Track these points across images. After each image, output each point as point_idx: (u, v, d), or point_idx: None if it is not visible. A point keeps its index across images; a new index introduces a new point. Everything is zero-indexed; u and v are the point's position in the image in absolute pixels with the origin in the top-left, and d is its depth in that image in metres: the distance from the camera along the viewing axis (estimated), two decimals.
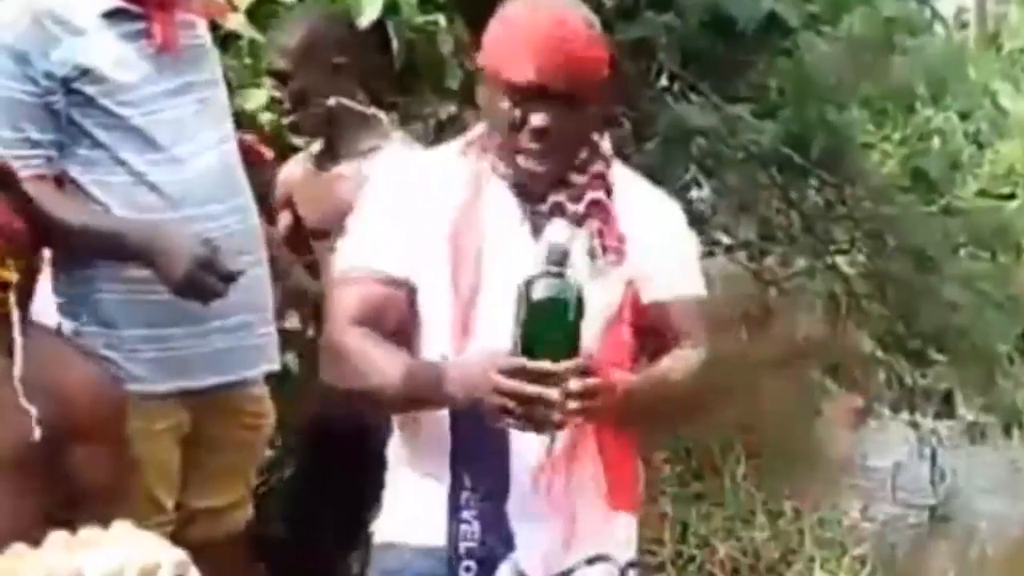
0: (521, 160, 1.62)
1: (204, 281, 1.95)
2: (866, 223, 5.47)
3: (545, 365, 1.47)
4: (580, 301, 1.50)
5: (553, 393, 1.48)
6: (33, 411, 1.76)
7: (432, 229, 1.64)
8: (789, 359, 5.93)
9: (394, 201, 1.68)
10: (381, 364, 1.62)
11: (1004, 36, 9.42)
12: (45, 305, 1.95)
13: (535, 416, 1.50)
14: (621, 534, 1.73)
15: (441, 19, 3.38)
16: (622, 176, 1.72)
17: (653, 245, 1.68)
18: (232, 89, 2.72)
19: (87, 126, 2.00)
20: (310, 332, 2.64)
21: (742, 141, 4.88)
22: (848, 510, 4.99)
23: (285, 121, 2.70)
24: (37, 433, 1.75)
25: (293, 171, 2.76)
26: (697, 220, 6.79)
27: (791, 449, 5.09)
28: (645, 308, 1.67)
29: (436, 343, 1.66)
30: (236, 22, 2.88)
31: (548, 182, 1.66)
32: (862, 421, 5.82)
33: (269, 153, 2.64)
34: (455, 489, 1.65)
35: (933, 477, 5.68)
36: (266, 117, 2.82)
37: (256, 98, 2.81)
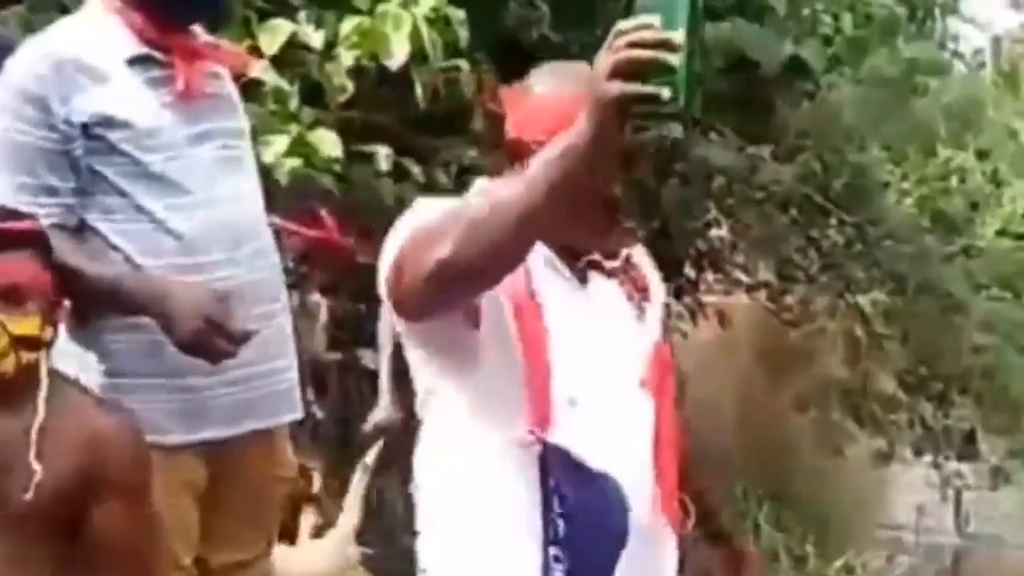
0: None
1: (213, 341, 1.91)
2: (886, 263, 5.46)
3: (667, 35, 1.21)
4: None
5: (673, 57, 1.21)
6: (37, 469, 1.74)
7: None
8: (810, 400, 5.90)
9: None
10: (503, 191, 1.37)
11: (1021, 76, 9.42)
12: (60, 353, 1.95)
13: (662, 93, 1.21)
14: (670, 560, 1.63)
15: (464, 64, 3.40)
16: None
17: (656, 282, 1.69)
18: (256, 136, 2.74)
19: (107, 173, 1.98)
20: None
21: (762, 181, 4.88)
22: (872, 553, 4.93)
23: None
24: (31, 494, 1.73)
25: None
26: (717, 259, 6.80)
27: (813, 492, 5.04)
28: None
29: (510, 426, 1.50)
30: (260, 68, 2.89)
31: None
32: (885, 463, 5.76)
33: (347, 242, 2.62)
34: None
35: (957, 520, 5.62)
36: (289, 164, 2.83)
37: (279, 144, 2.82)
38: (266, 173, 2.76)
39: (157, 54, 2.04)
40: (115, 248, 1.99)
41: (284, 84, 2.98)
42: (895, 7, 5.20)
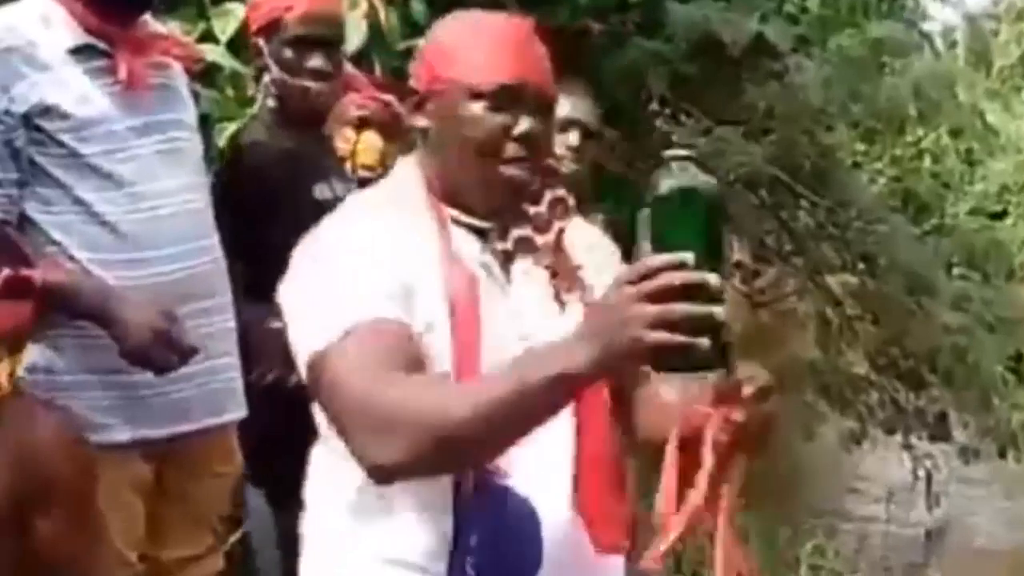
0: (508, 171, 1.41)
1: (158, 355, 1.90)
2: (857, 244, 5.46)
3: (685, 257, 1.11)
4: (719, 203, 1.14)
5: (712, 278, 1.11)
6: None
7: (422, 285, 1.39)
8: (782, 381, 5.91)
9: (366, 254, 1.39)
10: (468, 391, 1.26)
11: (994, 55, 9.45)
12: None
13: (703, 309, 1.11)
14: None
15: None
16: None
17: (597, 266, 1.52)
18: (214, 121, 2.70)
19: (45, 164, 1.95)
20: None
21: (732, 163, 4.86)
22: (844, 534, 4.95)
23: None
24: None
25: None
26: None
27: (785, 473, 5.05)
28: None
29: None
30: (216, 53, 2.86)
31: (520, 205, 1.47)
32: (856, 443, 5.78)
33: None
34: None
35: (928, 500, 5.65)
36: None
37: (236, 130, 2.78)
38: (223, 158, 2.73)
39: (100, 44, 2.01)
40: (53, 242, 1.96)
41: (241, 68, 2.94)
42: None
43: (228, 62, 2.92)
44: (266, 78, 2.42)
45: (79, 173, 1.97)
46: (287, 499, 2.30)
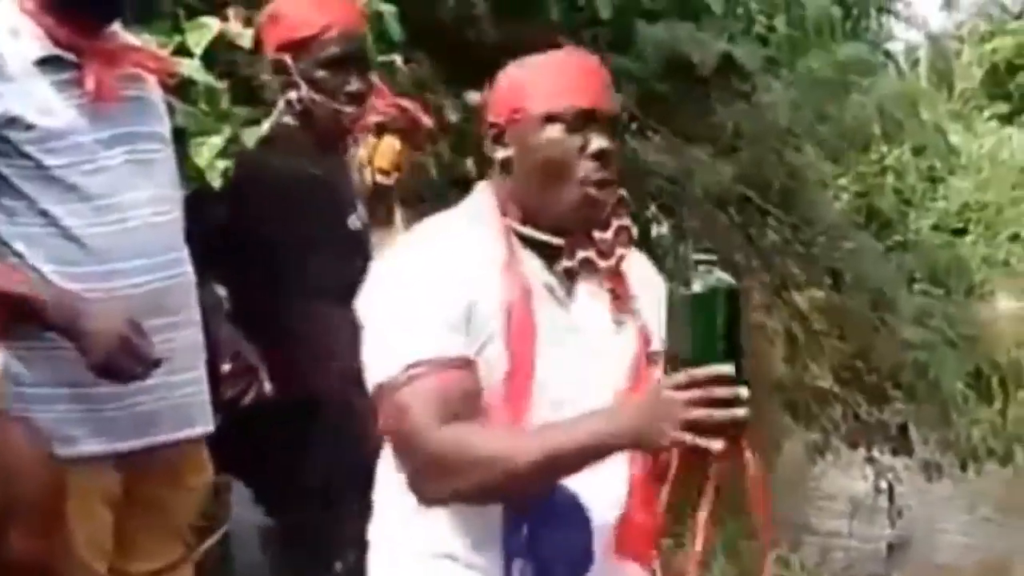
0: (588, 190, 1.54)
1: (124, 365, 1.89)
2: (823, 260, 5.54)
3: (724, 370, 1.36)
4: (739, 298, 1.41)
5: (743, 391, 1.36)
6: None
7: (482, 301, 1.51)
8: (749, 395, 5.96)
9: (427, 281, 1.52)
10: (513, 449, 1.43)
11: (956, 75, 9.60)
12: None
13: (728, 414, 1.35)
14: None
15: (398, 58, 3.38)
16: None
17: (648, 301, 1.65)
18: (189, 136, 2.69)
19: (10, 176, 1.93)
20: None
21: (701, 181, 4.92)
22: (807, 547, 5.00)
23: None
24: None
25: None
26: (657, 258, 6.84)
27: (748, 486, 5.09)
28: (651, 355, 1.61)
29: (493, 422, 1.51)
30: (191, 68, 2.84)
31: (596, 223, 1.58)
32: (820, 456, 5.85)
33: (428, 121, 2.60)
34: None
35: (891, 513, 5.72)
36: (222, 165, 2.79)
37: (212, 146, 2.78)
38: (199, 175, 2.73)
39: (69, 56, 2.00)
40: (17, 254, 1.95)
41: (215, 83, 2.93)
42: (830, 7, 5.27)
43: (202, 76, 2.90)
44: (291, 95, 2.32)
45: (44, 185, 1.95)
46: (277, 499, 2.33)
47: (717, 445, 1.35)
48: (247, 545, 2.38)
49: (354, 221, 2.35)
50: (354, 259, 2.26)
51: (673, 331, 1.44)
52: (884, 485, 5.71)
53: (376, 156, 2.64)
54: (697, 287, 1.40)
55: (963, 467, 5.31)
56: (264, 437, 2.23)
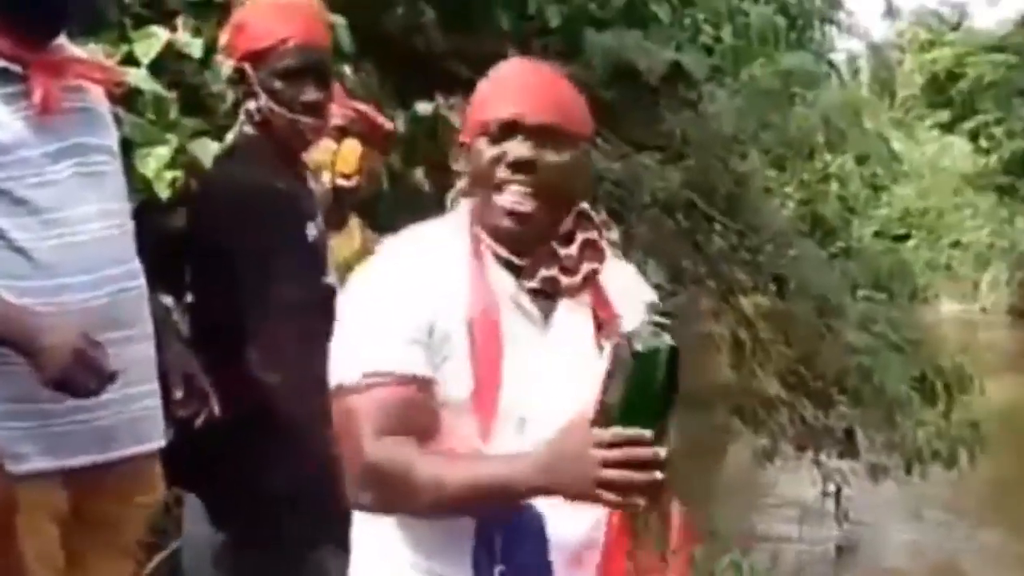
0: (499, 199, 1.51)
1: (80, 379, 1.86)
2: (769, 266, 5.61)
3: (646, 434, 1.36)
4: (676, 358, 1.39)
5: (662, 452, 1.36)
6: None
7: (446, 320, 1.49)
8: (696, 400, 6.02)
9: (396, 291, 1.51)
10: (441, 472, 1.44)
11: (897, 84, 9.77)
12: None
13: (646, 477, 1.36)
14: None
15: (347, 69, 3.38)
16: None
17: (633, 311, 1.53)
18: (136, 146, 2.67)
19: None
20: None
21: (649, 188, 4.97)
22: (758, 551, 5.05)
23: None
24: None
25: None
26: None
27: (698, 491, 5.15)
28: None
29: (457, 438, 1.50)
30: (138, 77, 2.81)
31: (533, 242, 1.52)
32: (768, 460, 5.92)
33: (388, 124, 2.58)
34: None
35: (838, 516, 5.79)
36: (170, 175, 2.76)
37: (159, 156, 2.75)
38: (147, 186, 2.70)
39: (15, 68, 1.98)
40: None
41: (163, 92, 2.91)
42: (774, 17, 5.35)
43: (150, 86, 2.88)
44: (250, 105, 2.32)
45: None
46: (230, 513, 2.31)
47: (632, 503, 1.37)
48: (199, 561, 2.35)
49: (312, 230, 2.35)
50: (312, 269, 2.29)
51: (608, 380, 1.39)
52: (832, 488, 5.79)
53: (338, 160, 2.64)
54: (639, 345, 1.38)
55: (908, 470, 5.39)
56: (218, 449, 2.22)
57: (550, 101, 1.53)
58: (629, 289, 1.61)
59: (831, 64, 5.86)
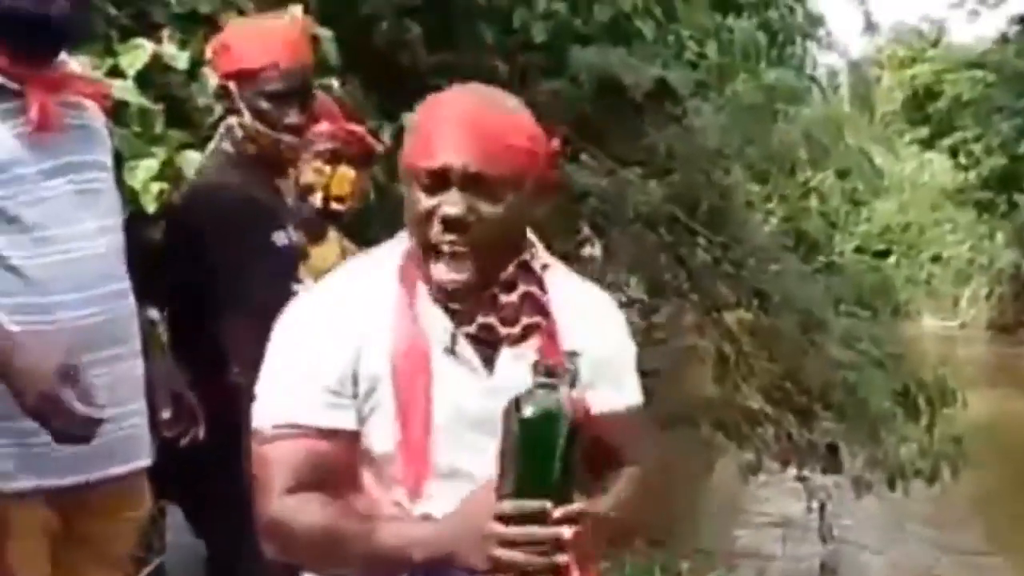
0: (434, 268, 1.40)
1: (60, 402, 1.80)
2: (752, 281, 5.62)
3: (547, 508, 1.31)
4: (573, 424, 1.32)
5: (565, 532, 1.31)
6: None
7: (370, 363, 1.42)
8: (680, 416, 6.02)
9: (316, 336, 1.44)
10: (340, 534, 1.39)
11: (877, 100, 9.85)
12: None
13: (545, 561, 1.31)
14: None
15: (334, 82, 3.38)
16: (559, 281, 1.51)
17: (598, 357, 1.47)
18: (122, 160, 2.66)
19: None
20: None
21: (632, 202, 4.98)
22: (743, 567, 5.04)
23: None
24: None
25: None
26: (590, 278, 6.89)
27: (683, 507, 5.14)
28: (594, 418, 1.43)
29: (385, 489, 1.45)
30: (124, 90, 2.80)
31: (471, 295, 1.42)
32: (753, 475, 5.92)
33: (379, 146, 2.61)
34: None
35: (822, 530, 5.80)
36: (157, 187, 2.75)
37: (146, 169, 2.74)
38: (133, 198, 2.69)
39: (12, 85, 1.97)
40: None
41: (149, 105, 2.90)
42: (756, 33, 5.39)
43: (136, 99, 2.87)
44: (232, 121, 2.39)
45: None
46: (216, 525, 2.31)
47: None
48: (185, 572, 2.34)
49: (281, 238, 2.38)
50: (283, 276, 2.32)
51: (504, 449, 1.32)
52: (816, 504, 5.79)
53: (332, 184, 2.66)
54: (527, 411, 1.31)
55: (891, 485, 5.40)
56: (201, 461, 2.21)
57: (483, 147, 1.40)
58: (587, 311, 1.52)
59: (813, 79, 5.90)
